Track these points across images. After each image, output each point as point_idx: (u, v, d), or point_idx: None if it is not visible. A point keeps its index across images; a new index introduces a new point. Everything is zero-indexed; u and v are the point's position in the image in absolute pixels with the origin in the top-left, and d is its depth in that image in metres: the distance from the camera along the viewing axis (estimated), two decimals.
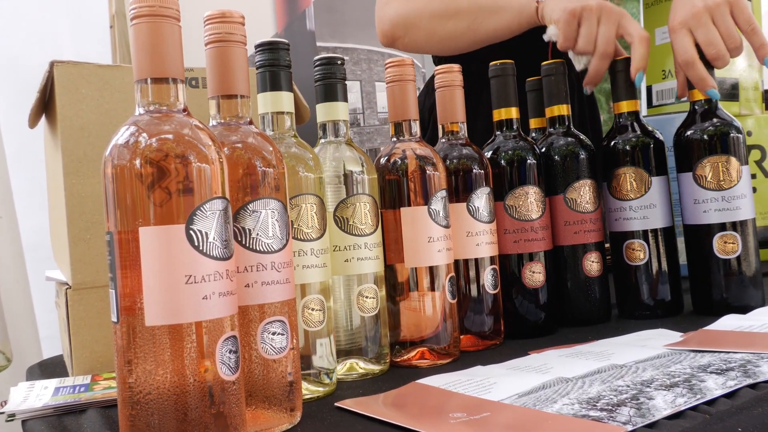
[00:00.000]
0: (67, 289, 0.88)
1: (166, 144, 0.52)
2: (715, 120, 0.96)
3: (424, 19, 1.25)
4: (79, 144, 0.88)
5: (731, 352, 0.72)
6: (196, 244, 0.51)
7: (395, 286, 0.85)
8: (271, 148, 0.64)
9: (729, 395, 0.60)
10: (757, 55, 1.01)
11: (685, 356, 0.73)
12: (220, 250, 0.53)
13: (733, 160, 0.94)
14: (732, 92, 1.38)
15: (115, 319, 0.52)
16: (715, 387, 0.61)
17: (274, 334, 0.61)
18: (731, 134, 0.95)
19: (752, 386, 0.62)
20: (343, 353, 0.80)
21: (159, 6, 0.53)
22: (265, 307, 0.60)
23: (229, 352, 0.53)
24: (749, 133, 1.37)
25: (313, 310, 0.71)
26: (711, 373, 0.65)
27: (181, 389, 0.51)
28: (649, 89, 1.41)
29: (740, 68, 1.41)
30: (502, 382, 0.69)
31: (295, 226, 0.71)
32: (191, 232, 0.51)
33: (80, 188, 0.88)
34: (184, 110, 0.55)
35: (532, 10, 1.12)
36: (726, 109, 1.26)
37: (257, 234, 0.60)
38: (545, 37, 1.09)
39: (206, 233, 0.52)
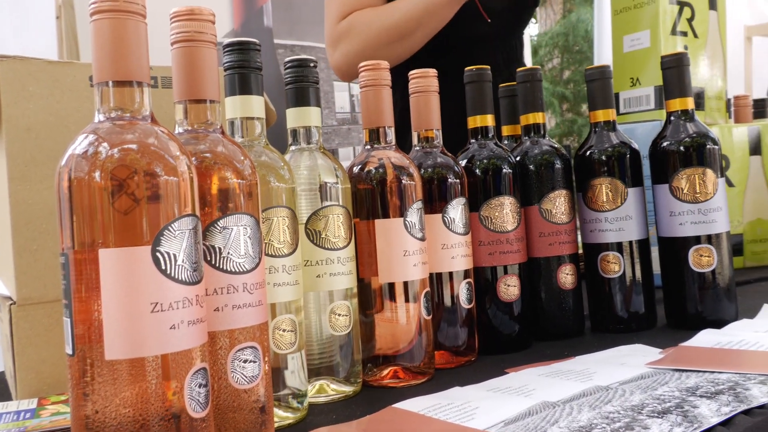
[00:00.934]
0: (10, 304, 0.81)
1: (129, 155, 0.47)
2: (691, 131, 0.94)
3: (377, 51, 1.32)
4: (25, 146, 0.81)
5: (716, 372, 0.70)
6: (164, 267, 0.46)
7: (368, 301, 0.80)
8: (242, 158, 0.59)
9: (724, 422, 0.57)
10: None
11: (669, 376, 0.71)
12: (190, 274, 0.48)
13: (710, 172, 0.92)
14: (697, 101, 1.38)
15: (70, 352, 0.47)
16: (709, 414, 0.58)
17: (245, 361, 0.56)
18: (708, 146, 0.93)
19: (745, 412, 0.59)
20: (312, 373, 0.75)
21: (123, 1, 0.48)
22: (236, 332, 0.55)
23: (199, 387, 0.48)
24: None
25: (284, 331, 0.66)
26: (701, 396, 0.63)
27: (145, 430, 0.45)
28: (617, 96, 1.39)
29: (704, 77, 1.41)
30: (484, 406, 0.66)
31: (265, 241, 0.66)
32: (158, 254, 0.46)
33: (26, 195, 0.81)
34: (150, 117, 0.50)
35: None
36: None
37: (228, 253, 0.55)
38: None
39: (174, 255, 0.47)
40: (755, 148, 1.46)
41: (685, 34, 1.37)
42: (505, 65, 1.50)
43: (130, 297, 0.45)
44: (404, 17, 1.29)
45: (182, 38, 0.57)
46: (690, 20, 1.38)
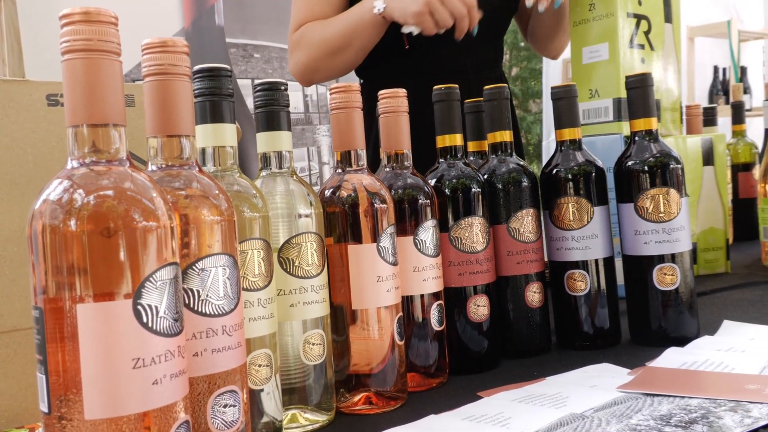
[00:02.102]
0: None
1: (106, 203, 0.45)
2: (655, 151, 0.96)
3: (320, 62, 1.41)
4: None
5: (686, 398, 0.72)
6: (145, 321, 0.44)
7: (341, 326, 0.79)
8: (217, 192, 0.57)
9: None
10: None
11: (642, 402, 0.72)
12: (171, 325, 0.46)
13: (673, 192, 0.94)
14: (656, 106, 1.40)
15: (45, 410, 0.44)
16: None
17: (225, 406, 0.54)
18: (671, 166, 0.95)
19: None
20: (285, 402, 0.74)
21: (97, 39, 0.46)
22: (215, 377, 0.54)
23: None
24: None
25: (260, 366, 0.65)
26: (676, 426, 0.64)
27: None
28: None
29: (660, 89, 1.44)
30: None
31: (240, 275, 0.64)
32: (139, 307, 0.44)
33: None
34: (128, 160, 0.48)
35: (379, 19, 1.32)
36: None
37: (207, 295, 0.54)
38: (405, 30, 1.30)
39: (156, 307, 0.45)
40: (708, 159, 1.50)
41: (642, 47, 1.39)
42: (474, 71, 1.51)
43: (110, 353, 0.43)
44: (338, 32, 1.38)
45: (155, 71, 0.55)
46: (647, 33, 1.41)
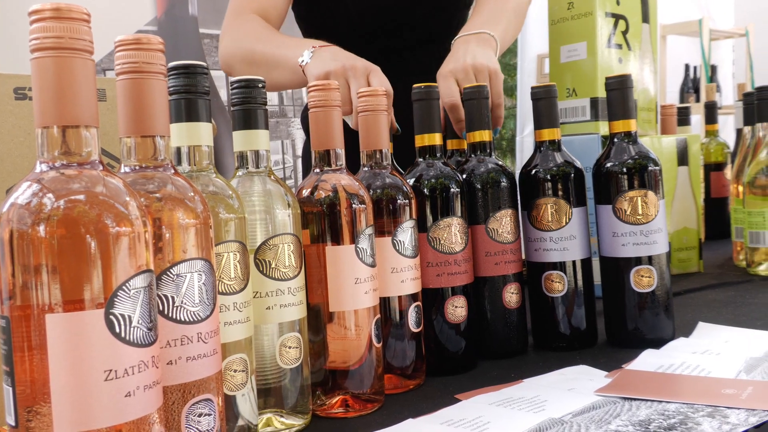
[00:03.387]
0: None
1: (77, 207, 0.43)
2: (634, 153, 0.96)
3: (236, 62, 1.31)
4: None
5: (664, 402, 0.72)
6: (118, 331, 0.43)
7: (318, 328, 0.78)
8: (193, 194, 0.56)
9: None
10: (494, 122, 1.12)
11: (620, 407, 0.72)
12: (145, 335, 0.45)
13: (651, 194, 0.94)
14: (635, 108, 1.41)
15: (13, 423, 0.42)
16: None
17: (200, 415, 0.52)
18: (650, 168, 0.95)
19: None
20: (260, 405, 0.72)
21: (69, 37, 0.44)
22: (190, 385, 0.52)
23: None
24: None
25: (235, 371, 0.63)
26: None
27: None
28: None
29: (637, 89, 1.44)
30: None
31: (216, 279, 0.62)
32: (112, 317, 0.42)
33: None
34: (100, 162, 0.46)
35: (300, 72, 1.16)
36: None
37: (182, 302, 0.52)
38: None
39: (129, 317, 0.43)
40: (682, 159, 1.51)
41: (620, 46, 1.39)
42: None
43: (81, 365, 0.41)
44: (263, 55, 1.25)
45: (129, 69, 0.53)
46: (624, 33, 1.41)
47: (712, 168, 1.90)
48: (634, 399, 0.73)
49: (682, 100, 5.87)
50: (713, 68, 5.74)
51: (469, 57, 1.14)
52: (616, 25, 1.39)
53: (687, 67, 5.86)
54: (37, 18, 0.44)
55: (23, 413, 0.42)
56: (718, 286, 1.36)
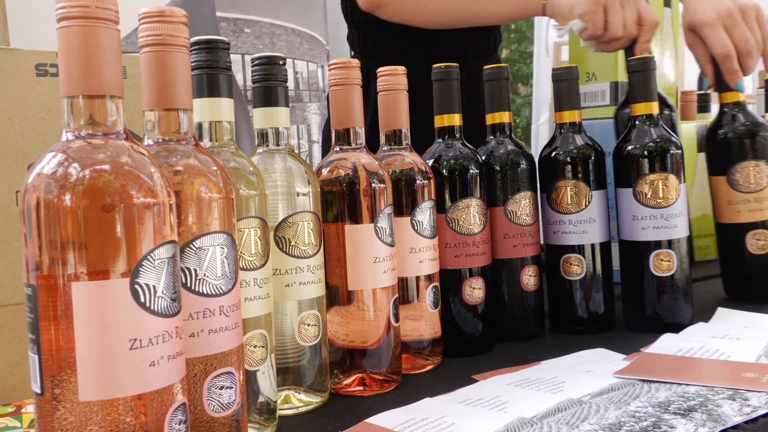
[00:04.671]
0: None
1: (103, 177, 0.43)
2: (655, 136, 0.95)
3: None
4: None
5: (684, 385, 0.71)
6: (143, 300, 0.43)
7: (337, 308, 0.78)
8: (216, 169, 0.56)
9: None
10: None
11: (639, 389, 0.71)
12: (169, 305, 0.45)
13: (672, 177, 0.93)
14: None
15: (38, 391, 0.43)
16: None
17: (222, 388, 0.53)
18: (671, 151, 0.94)
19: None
20: (278, 382, 0.72)
21: (95, 6, 0.43)
22: (212, 358, 0.52)
23: (179, 423, 0.45)
24: None
25: (255, 347, 0.63)
26: (675, 414, 0.63)
27: None
28: None
29: (658, 74, 1.43)
30: (460, 423, 0.65)
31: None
32: (137, 286, 0.43)
33: None
34: (124, 133, 0.46)
35: (538, 5, 1.13)
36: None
37: (204, 275, 0.52)
38: (562, 32, 1.12)
39: (154, 287, 0.43)
40: (702, 146, 1.49)
41: None
42: (474, 58, 1.47)
43: (106, 334, 0.42)
44: None
45: (153, 41, 0.53)
46: None
47: None
48: (654, 381, 0.73)
49: (700, 87, 5.80)
50: None
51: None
52: None
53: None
54: None
55: (48, 381, 0.42)
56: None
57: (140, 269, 0.43)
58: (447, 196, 0.90)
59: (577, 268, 0.97)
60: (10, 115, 0.77)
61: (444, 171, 0.90)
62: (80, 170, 0.43)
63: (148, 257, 0.43)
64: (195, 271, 0.52)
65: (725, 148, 1.03)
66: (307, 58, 2.92)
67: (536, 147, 4.42)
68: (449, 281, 0.90)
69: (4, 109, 0.77)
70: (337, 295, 0.78)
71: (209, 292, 0.52)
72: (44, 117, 0.79)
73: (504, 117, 0.98)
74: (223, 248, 0.53)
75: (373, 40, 1.44)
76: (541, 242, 1.00)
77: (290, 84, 2.83)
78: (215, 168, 0.55)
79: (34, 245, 0.43)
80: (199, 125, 0.64)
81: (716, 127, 1.07)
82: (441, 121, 0.93)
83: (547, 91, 3.81)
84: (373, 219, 0.77)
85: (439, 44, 1.42)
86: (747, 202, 0.98)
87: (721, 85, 1.09)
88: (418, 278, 0.85)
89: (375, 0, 1.23)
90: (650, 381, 0.73)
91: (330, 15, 2.99)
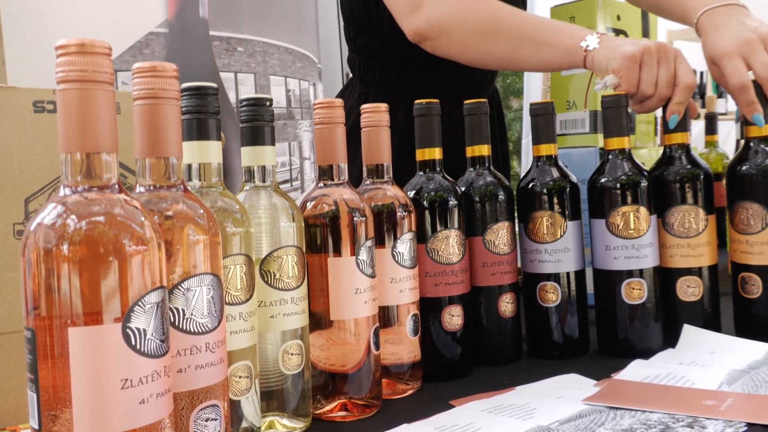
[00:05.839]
0: None
1: (98, 228, 0.47)
2: (627, 169, 0.99)
3: (463, 30, 1.19)
4: None
5: (648, 412, 0.75)
6: (134, 343, 0.47)
7: (319, 332, 0.82)
8: (202, 212, 0.59)
9: None
10: None
11: (605, 416, 0.75)
12: (159, 346, 0.48)
13: (643, 210, 0.98)
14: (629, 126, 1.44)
15: (36, 426, 0.46)
16: None
17: (207, 420, 0.56)
18: (642, 184, 0.98)
19: None
20: (263, 408, 0.76)
21: (92, 71, 0.47)
22: (198, 392, 0.56)
23: None
24: (643, 164, 1.44)
25: (240, 378, 0.67)
26: None
27: None
28: None
29: None
30: None
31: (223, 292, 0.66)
32: (128, 330, 0.46)
33: None
34: (118, 185, 0.50)
35: (580, 57, 1.10)
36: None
37: (191, 314, 0.56)
38: (598, 87, 1.07)
39: (144, 330, 0.47)
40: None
41: None
42: (470, 92, 1.51)
43: (100, 374, 0.45)
44: (511, 25, 1.17)
45: (145, 95, 0.56)
46: None
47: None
48: (619, 408, 0.77)
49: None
50: None
51: (746, 29, 1.06)
52: None
53: (694, 72, 5.85)
54: (63, 52, 0.47)
55: (46, 417, 0.46)
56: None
57: (131, 314, 0.47)
58: (427, 227, 0.94)
59: (552, 296, 1.01)
60: (8, 150, 0.81)
61: (424, 203, 0.94)
62: (77, 222, 0.47)
63: (139, 303, 0.47)
64: (183, 311, 0.55)
65: (749, 183, 1.03)
66: (299, 76, 2.96)
67: (526, 161, 4.47)
68: (429, 308, 0.94)
69: (2, 144, 0.81)
70: (320, 321, 0.82)
71: (196, 330, 0.56)
72: (41, 152, 0.82)
73: (483, 150, 1.02)
74: (209, 289, 0.57)
75: (374, 67, 1.48)
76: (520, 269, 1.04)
77: (282, 101, 2.87)
78: (202, 211, 0.59)
79: (34, 290, 0.46)
80: (189, 166, 0.68)
81: (739, 162, 1.05)
82: (422, 154, 0.97)
83: None
84: (354, 252, 0.81)
85: (437, 76, 1.45)
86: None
87: (747, 118, 1.06)
88: (398, 306, 0.89)
89: (422, 33, 1.22)
90: (616, 408, 0.77)
91: (322, 34, 3.04)
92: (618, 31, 1.43)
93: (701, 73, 5.84)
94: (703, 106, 5.79)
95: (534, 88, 4.21)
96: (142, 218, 0.49)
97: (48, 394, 0.46)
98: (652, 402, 0.78)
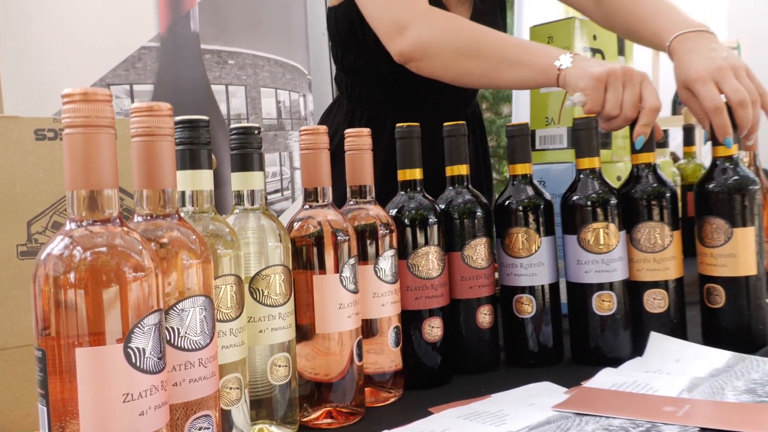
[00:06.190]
0: None
1: (101, 258, 0.52)
2: (597, 187, 1.05)
3: (445, 51, 1.26)
4: None
5: (611, 418, 0.81)
6: (134, 361, 0.52)
7: (305, 343, 0.87)
8: (195, 238, 0.65)
9: None
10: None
11: (571, 422, 0.81)
12: (156, 363, 0.54)
13: (612, 226, 1.03)
14: (605, 141, 1.50)
15: None
16: None
17: (200, 429, 0.62)
18: (611, 201, 1.04)
19: None
20: (252, 416, 0.81)
21: (95, 116, 0.53)
22: (192, 403, 0.61)
23: None
24: (618, 178, 1.50)
25: (231, 389, 0.72)
26: None
27: None
28: (534, 133, 1.50)
29: None
30: None
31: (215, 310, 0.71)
32: (129, 350, 0.52)
33: None
34: (119, 218, 0.55)
35: (553, 75, 1.16)
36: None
37: (185, 332, 0.61)
38: (568, 104, 1.13)
39: (143, 349, 0.53)
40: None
41: None
42: (453, 107, 1.58)
43: (104, 390, 0.50)
44: (489, 46, 1.24)
45: (142, 132, 0.62)
46: None
47: (689, 188, 1.99)
48: (585, 414, 0.82)
49: (674, 112, 5.96)
50: None
51: (717, 56, 1.13)
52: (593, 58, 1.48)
53: (658, 96, 5.94)
54: (69, 100, 0.53)
55: (55, 428, 0.51)
56: (688, 304, 1.44)
57: (132, 335, 0.52)
58: (408, 243, 0.99)
59: (528, 307, 1.07)
60: (11, 176, 0.86)
61: (405, 221, 1.00)
62: (82, 252, 0.52)
63: (139, 325, 0.52)
64: (178, 329, 0.61)
65: (714, 199, 1.08)
66: (289, 88, 3.02)
67: None
68: (410, 320, 1.00)
69: (6, 171, 0.86)
70: (307, 334, 0.87)
71: (190, 347, 0.61)
72: (42, 177, 0.88)
73: (462, 170, 1.08)
74: (202, 309, 0.62)
75: (360, 85, 1.53)
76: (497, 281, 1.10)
77: (273, 113, 2.93)
78: (194, 237, 0.64)
79: (44, 314, 0.52)
80: (183, 193, 0.74)
81: (706, 179, 1.10)
82: (404, 175, 1.03)
83: (526, 111, 3.94)
84: (338, 269, 0.86)
85: (422, 94, 1.50)
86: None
87: (715, 139, 1.11)
88: (380, 319, 0.95)
89: (407, 54, 1.29)
90: (582, 414, 0.83)
91: (312, 46, 3.10)
92: (595, 50, 1.49)
93: None
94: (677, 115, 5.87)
95: (524, 93, 4.27)
96: (141, 247, 0.55)
97: (57, 407, 0.51)
98: (616, 408, 0.83)
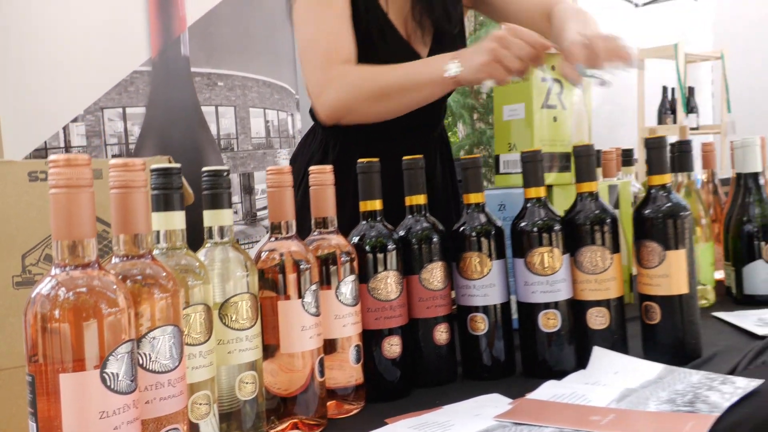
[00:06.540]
0: None
1: (81, 297, 0.62)
2: (543, 214, 1.15)
3: (359, 102, 1.45)
4: None
5: (543, 426, 0.91)
6: (109, 384, 0.62)
7: (271, 361, 0.97)
8: (165, 274, 0.75)
9: None
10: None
11: (507, 430, 0.91)
12: (128, 385, 0.64)
13: (557, 250, 1.14)
14: (565, 164, 1.60)
15: None
16: None
17: None
18: (555, 227, 1.14)
19: None
20: (223, 429, 0.91)
21: (76, 178, 0.63)
22: (162, 418, 0.71)
23: None
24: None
25: (200, 404, 0.82)
26: None
27: None
28: (498, 158, 1.60)
29: (572, 142, 1.64)
30: None
31: (185, 333, 0.81)
32: (105, 374, 0.62)
33: None
34: (96, 262, 0.65)
35: (448, 81, 1.36)
36: (559, 180, 1.48)
37: (156, 357, 0.71)
38: (484, 89, 1.35)
39: (117, 374, 0.62)
40: (615, 203, 1.70)
41: (554, 107, 1.59)
42: (424, 129, 1.69)
43: (83, 408, 0.60)
44: (393, 83, 1.43)
45: (118, 185, 0.72)
46: (559, 95, 1.60)
47: None
48: (521, 424, 0.92)
49: (660, 121, 6.09)
50: (691, 90, 5.95)
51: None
52: (550, 88, 1.58)
53: (665, 89, 6.06)
54: (54, 165, 0.63)
55: None
56: (632, 319, 1.54)
57: (107, 362, 0.62)
58: (369, 268, 1.09)
59: (481, 325, 1.17)
60: (7, 214, 0.96)
61: (366, 248, 1.10)
62: (66, 293, 0.62)
63: (113, 353, 0.62)
64: (149, 354, 0.71)
65: (649, 224, 1.18)
66: (277, 108, 3.13)
67: None
68: (371, 339, 1.10)
69: (2, 209, 0.96)
70: (273, 352, 0.97)
71: (160, 370, 0.71)
72: (35, 216, 0.98)
73: (420, 199, 1.18)
74: (170, 336, 0.72)
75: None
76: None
77: (261, 132, 3.03)
78: (165, 274, 0.74)
79: (33, 345, 0.62)
80: (158, 232, 0.84)
81: (642, 206, 1.20)
82: (365, 206, 1.13)
83: None
84: (300, 295, 0.97)
85: (390, 122, 1.61)
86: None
87: (650, 168, 1.21)
88: (342, 339, 1.05)
89: (332, 117, 1.50)
90: (519, 423, 0.93)
91: (299, 67, 3.20)
92: (555, 80, 1.59)
93: (672, 89, 6.03)
94: (675, 121, 5.95)
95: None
96: (115, 287, 0.65)
97: (45, 423, 0.61)
98: (549, 418, 0.93)
